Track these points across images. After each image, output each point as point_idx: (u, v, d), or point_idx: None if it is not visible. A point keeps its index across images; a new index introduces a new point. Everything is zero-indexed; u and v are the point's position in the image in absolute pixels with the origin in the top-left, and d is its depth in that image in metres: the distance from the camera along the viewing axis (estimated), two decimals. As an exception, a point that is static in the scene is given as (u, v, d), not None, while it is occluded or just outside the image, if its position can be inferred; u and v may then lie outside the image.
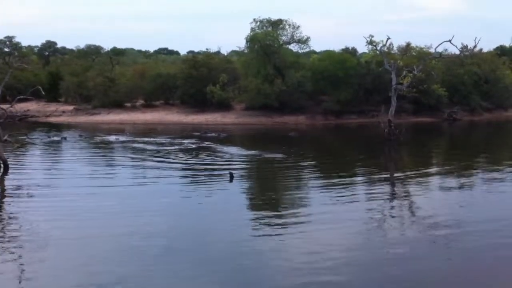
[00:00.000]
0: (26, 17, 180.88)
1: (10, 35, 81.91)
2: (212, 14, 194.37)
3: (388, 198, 20.82)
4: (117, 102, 58.08)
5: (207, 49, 71.48)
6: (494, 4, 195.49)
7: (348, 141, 43.27)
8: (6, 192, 22.03)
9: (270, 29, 55.73)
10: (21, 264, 13.16)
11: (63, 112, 60.13)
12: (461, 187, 22.67)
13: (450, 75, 55.57)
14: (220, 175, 24.75)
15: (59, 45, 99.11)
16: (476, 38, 43.74)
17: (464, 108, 55.94)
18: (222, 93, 53.69)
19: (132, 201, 19.52)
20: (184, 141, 37.54)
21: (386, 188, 23.09)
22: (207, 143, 36.50)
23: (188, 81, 55.97)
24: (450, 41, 39.23)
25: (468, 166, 27.86)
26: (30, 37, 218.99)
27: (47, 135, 43.28)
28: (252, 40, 54.63)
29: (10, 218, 17.63)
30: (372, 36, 43.09)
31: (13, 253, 13.90)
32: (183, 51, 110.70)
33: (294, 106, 52.91)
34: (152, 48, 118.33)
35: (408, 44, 52.94)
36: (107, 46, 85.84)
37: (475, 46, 43.42)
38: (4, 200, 20.80)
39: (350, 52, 64.46)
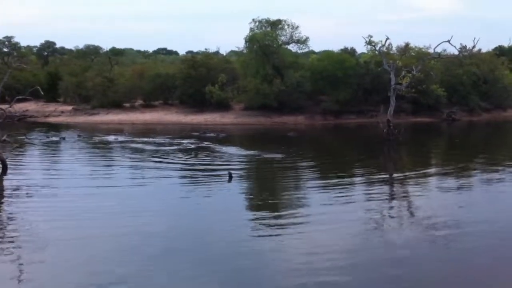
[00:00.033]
0: (26, 17, 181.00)
1: (10, 35, 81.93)
2: (212, 14, 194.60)
3: (387, 199, 20.83)
4: (116, 102, 58.04)
5: (206, 49, 71.69)
6: (494, 4, 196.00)
7: (347, 141, 43.29)
8: (5, 192, 21.97)
9: (269, 29, 55.74)
10: (20, 265, 13.15)
11: (62, 112, 60.06)
12: (460, 187, 22.68)
13: (449, 75, 55.61)
14: (219, 175, 24.75)
15: (59, 45, 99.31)
16: (475, 38, 44.02)
17: (463, 108, 55.98)
18: (221, 93, 53.69)
19: (131, 201, 19.50)
20: (183, 141, 37.54)
21: (385, 188, 23.09)
22: (206, 143, 36.49)
23: (187, 81, 55.96)
24: (449, 41, 39.28)
25: (467, 166, 27.89)
26: (30, 37, 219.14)
27: (46, 135, 43.24)
28: (251, 40, 54.61)
29: (9, 218, 17.61)
30: (371, 36, 43.24)
31: (12, 253, 13.88)
32: (183, 51, 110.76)
33: (293, 106, 52.92)
34: (152, 48, 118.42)
35: (407, 44, 53.09)
36: (107, 46, 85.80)
37: (474, 47, 43.34)
38: (3, 200, 20.74)
39: (349, 52, 64.43)
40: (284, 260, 13.27)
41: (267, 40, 54.33)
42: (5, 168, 25.46)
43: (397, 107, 39.39)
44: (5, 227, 16.53)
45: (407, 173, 25.95)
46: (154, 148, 34.51)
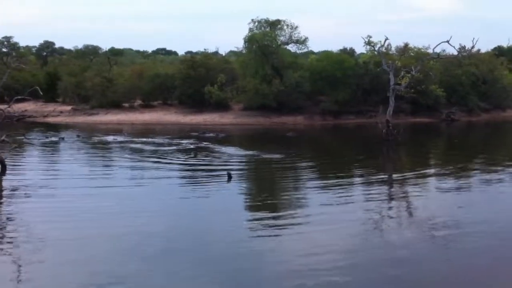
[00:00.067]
0: (26, 17, 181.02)
1: (9, 35, 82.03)
2: (211, 14, 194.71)
3: (386, 199, 20.81)
4: (115, 102, 58.03)
5: (205, 49, 71.66)
6: (493, 4, 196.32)
7: (346, 141, 43.30)
8: (4, 193, 21.93)
9: (268, 29, 55.75)
10: (19, 265, 13.11)
11: (61, 112, 60.04)
12: (459, 187, 22.68)
13: (448, 75, 55.67)
14: (218, 175, 24.73)
15: (58, 45, 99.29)
16: (474, 38, 44.00)
17: (462, 108, 56.04)
18: (220, 93, 53.70)
19: (131, 201, 19.49)
20: (182, 142, 37.53)
21: (384, 189, 23.07)
22: (205, 143, 36.49)
23: (186, 81, 55.96)
24: (448, 41, 39.38)
25: (466, 166, 27.89)
26: (30, 37, 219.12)
27: (45, 135, 43.19)
28: (250, 40, 54.63)
29: (7, 219, 17.58)
30: (370, 37, 43.23)
31: (10, 254, 13.86)
32: (182, 52, 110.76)
33: (292, 106, 52.94)
34: (151, 49, 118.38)
35: (406, 45, 53.16)
36: (106, 46, 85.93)
37: (473, 47, 43.42)
38: (1, 201, 20.71)
39: (348, 53, 64.39)
40: (283, 261, 13.25)
41: (266, 40, 54.35)
42: (4, 168, 25.44)
43: (396, 108, 39.42)
44: (4, 227, 16.51)
45: (406, 174, 25.95)
46: (153, 148, 34.50)
